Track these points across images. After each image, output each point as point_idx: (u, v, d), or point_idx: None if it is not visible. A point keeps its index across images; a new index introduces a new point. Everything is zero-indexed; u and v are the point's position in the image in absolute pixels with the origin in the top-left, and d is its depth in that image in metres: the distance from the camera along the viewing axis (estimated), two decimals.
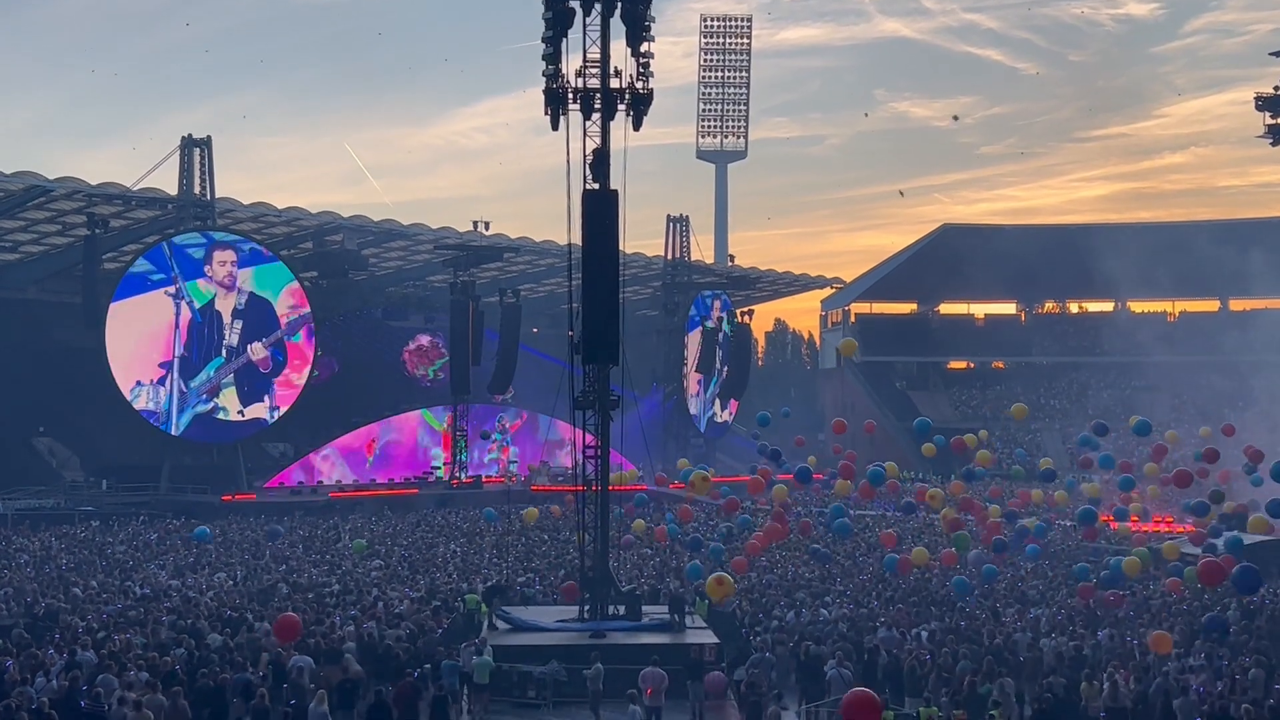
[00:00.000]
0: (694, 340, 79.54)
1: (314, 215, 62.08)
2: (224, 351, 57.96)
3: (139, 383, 55.48)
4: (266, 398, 59.61)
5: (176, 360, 56.53)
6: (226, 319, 57.99)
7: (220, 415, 58.15)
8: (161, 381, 56.21)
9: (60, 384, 57.06)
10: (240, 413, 58.87)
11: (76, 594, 29.20)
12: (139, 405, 55.29)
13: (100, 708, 19.11)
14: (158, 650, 22.75)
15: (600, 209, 27.67)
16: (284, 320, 59.78)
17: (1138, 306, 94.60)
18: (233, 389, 58.49)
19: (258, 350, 59.11)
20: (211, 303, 57.27)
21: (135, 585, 31.13)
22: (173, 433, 56.54)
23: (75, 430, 59.98)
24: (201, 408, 57.54)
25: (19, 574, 32.86)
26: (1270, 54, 59.06)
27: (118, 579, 32.47)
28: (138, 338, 55.39)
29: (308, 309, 60.73)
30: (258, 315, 58.91)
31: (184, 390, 56.81)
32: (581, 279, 27.69)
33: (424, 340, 75.26)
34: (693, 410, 79.75)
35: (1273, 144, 59.18)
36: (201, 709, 19.73)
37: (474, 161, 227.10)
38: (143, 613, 26.52)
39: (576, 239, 28.33)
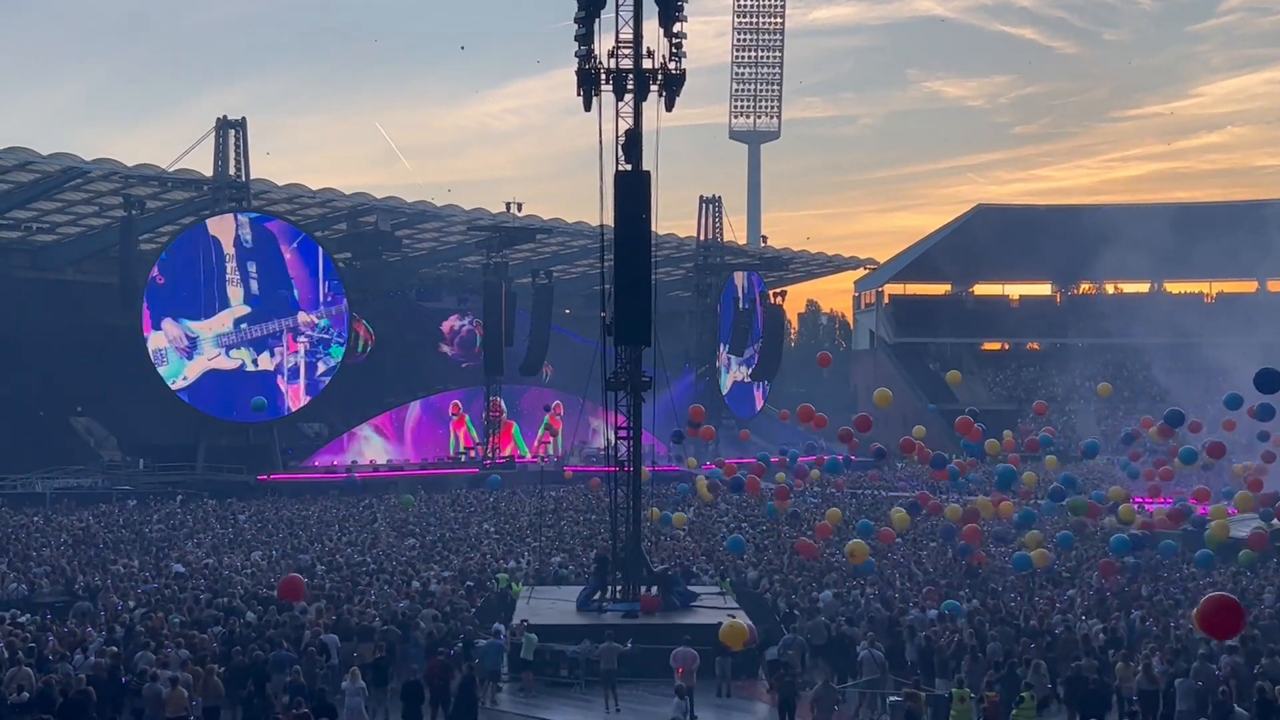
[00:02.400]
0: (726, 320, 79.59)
1: (348, 196, 62.32)
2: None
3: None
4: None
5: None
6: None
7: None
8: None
9: (98, 364, 57.52)
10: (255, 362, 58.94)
11: (116, 571, 29.56)
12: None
13: (138, 683, 19.35)
14: (195, 627, 23.02)
15: (633, 190, 27.62)
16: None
17: (1174, 287, 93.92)
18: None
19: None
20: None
21: (173, 563, 31.46)
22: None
23: (113, 410, 60.49)
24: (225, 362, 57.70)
25: (59, 552, 33.26)
26: None
27: (155, 557, 32.82)
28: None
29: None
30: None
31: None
32: (614, 260, 27.68)
33: (455, 320, 75.57)
34: (725, 389, 79.83)
35: None
36: (237, 685, 19.95)
37: (506, 143, 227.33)
38: (179, 591, 26.81)
39: (609, 220, 28.31)
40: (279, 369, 59.22)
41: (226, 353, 57.61)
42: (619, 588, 27.67)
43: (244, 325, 58.14)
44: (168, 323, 55.77)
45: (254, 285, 58.07)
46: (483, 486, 56.47)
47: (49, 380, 56.27)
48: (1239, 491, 41.11)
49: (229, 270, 57.14)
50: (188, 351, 56.48)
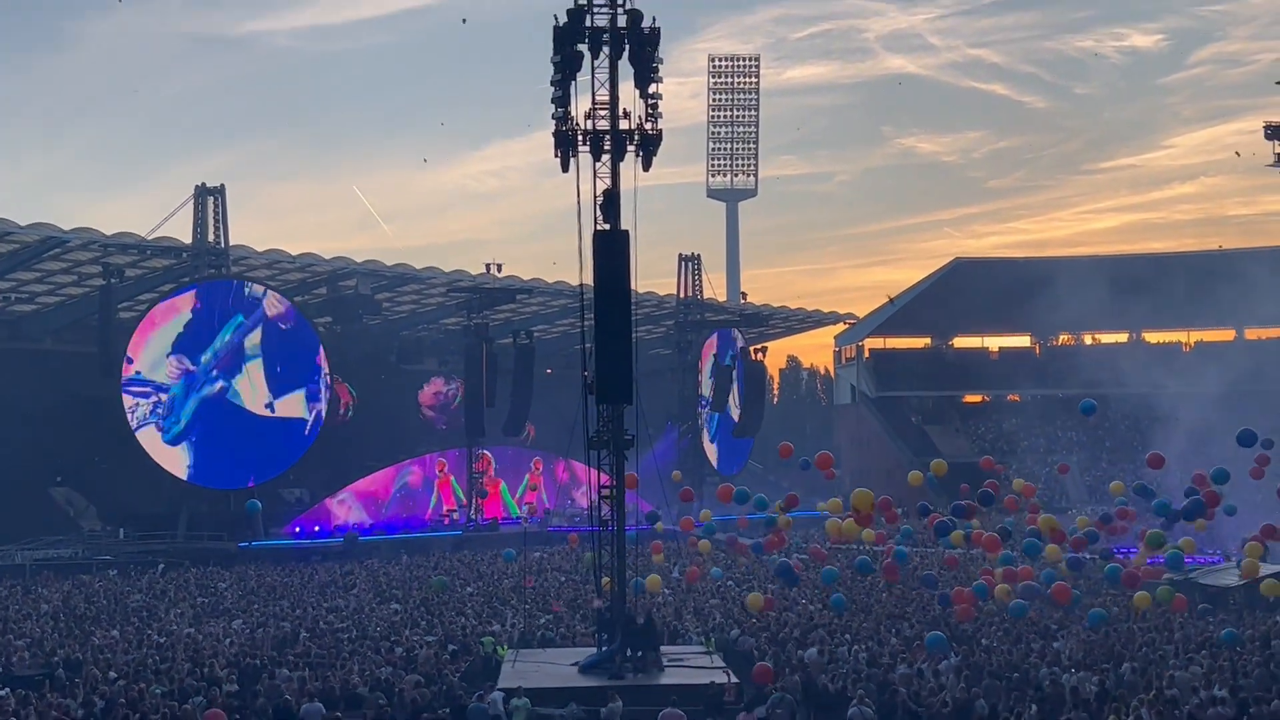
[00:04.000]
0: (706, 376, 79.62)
1: (328, 261, 62.39)
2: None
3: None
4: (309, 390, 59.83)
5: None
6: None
7: (232, 399, 57.64)
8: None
9: (77, 434, 57.20)
10: (269, 406, 58.55)
11: (95, 643, 29.24)
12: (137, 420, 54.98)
13: None
14: (177, 698, 22.75)
15: (612, 249, 27.73)
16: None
17: (1152, 337, 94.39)
18: (259, 363, 58.24)
19: None
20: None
21: (154, 633, 31.16)
22: (177, 430, 55.99)
23: (92, 480, 60.08)
24: (208, 388, 57.00)
25: (39, 624, 32.90)
26: (1277, 82, 59.34)
27: (136, 628, 32.49)
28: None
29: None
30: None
31: (190, 369, 56.38)
32: (594, 319, 27.73)
33: (439, 384, 75.53)
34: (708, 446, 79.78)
35: None
36: None
37: (485, 204, 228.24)
38: (160, 661, 26.52)
39: (589, 279, 28.40)
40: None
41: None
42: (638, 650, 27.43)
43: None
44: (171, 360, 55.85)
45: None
46: (465, 549, 56.28)
47: (28, 451, 55.86)
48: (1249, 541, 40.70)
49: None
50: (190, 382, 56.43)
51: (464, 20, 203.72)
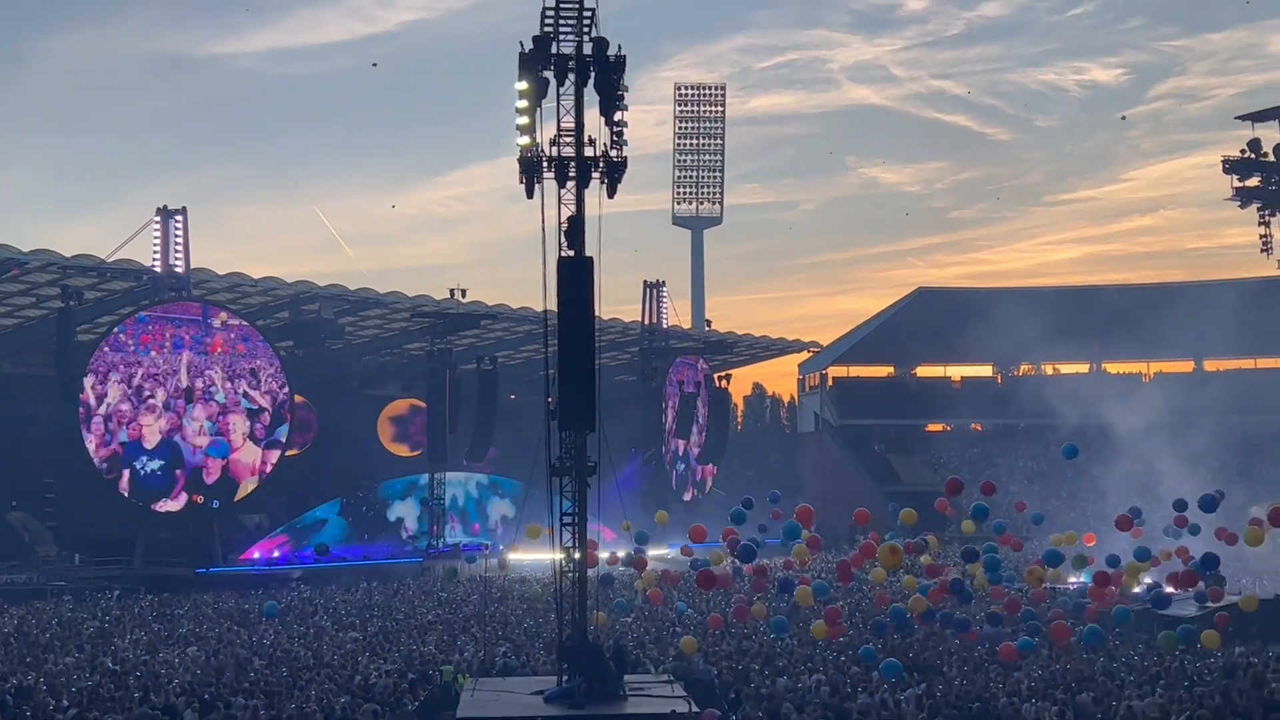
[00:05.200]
0: (673, 405, 79.55)
1: (290, 285, 62.10)
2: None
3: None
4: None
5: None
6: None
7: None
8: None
9: (33, 459, 56.62)
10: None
11: (49, 670, 28.79)
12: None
13: None
14: None
15: (576, 276, 27.68)
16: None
17: (1113, 368, 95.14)
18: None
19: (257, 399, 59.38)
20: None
21: (108, 661, 30.73)
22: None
23: (49, 505, 59.40)
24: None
25: None
26: (1236, 118, 60.10)
27: (90, 655, 32.03)
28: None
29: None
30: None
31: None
32: (558, 346, 27.65)
33: (401, 407, 75.02)
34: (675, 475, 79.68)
35: (1241, 206, 59.98)
36: None
37: (449, 230, 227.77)
38: (114, 689, 26.13)
39: (553, 306, 28.33)
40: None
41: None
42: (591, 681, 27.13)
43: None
44: None
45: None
46: (425, 578, 55.88)
47: None
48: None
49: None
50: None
51: (374, 64, 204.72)
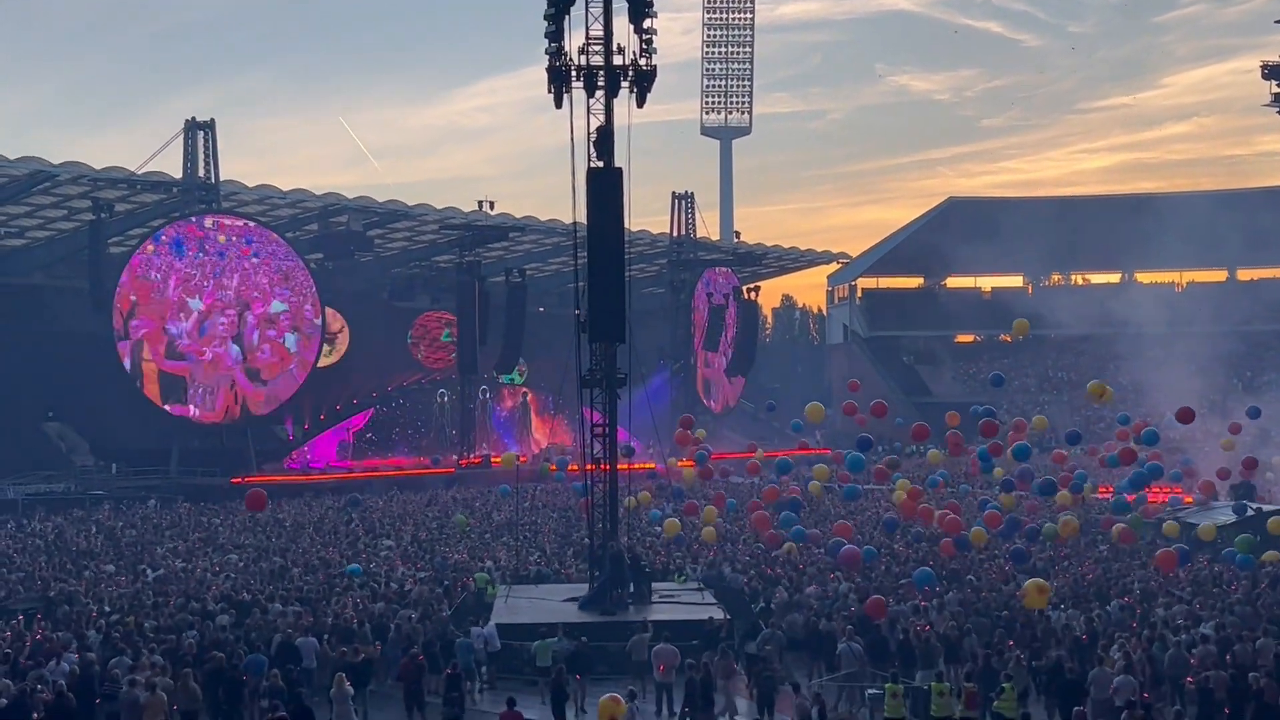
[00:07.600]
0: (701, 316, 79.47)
1: (319, 196, 62.03)
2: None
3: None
4: None
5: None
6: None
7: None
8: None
9: (68, 369, 57.07)
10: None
11: (90, 577, 29.35)
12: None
13: (114, 689, 19.21)
14: (170, 632, 22.87)
15: (605, 187, 27.61)
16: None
17: (1145, 277, 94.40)
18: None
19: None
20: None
21: (147, 568, 31.28)
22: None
23: (84, 415, 60.02)
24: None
25: (33, 559, 33.00)
26: (1276, 21, 58.88)
27: (129, 562, 32.60)
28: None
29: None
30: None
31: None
32: (587, 257, 27.64)
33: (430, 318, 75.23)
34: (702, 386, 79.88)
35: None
36: (213, 689, 19.82)
37: (477, 141, 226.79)
38: (153, 595, 26.63)
39: (582, 217, 28.30)
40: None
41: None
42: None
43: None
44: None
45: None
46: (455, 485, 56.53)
47: (19, 386, 55.79)
48: None
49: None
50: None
51: None
